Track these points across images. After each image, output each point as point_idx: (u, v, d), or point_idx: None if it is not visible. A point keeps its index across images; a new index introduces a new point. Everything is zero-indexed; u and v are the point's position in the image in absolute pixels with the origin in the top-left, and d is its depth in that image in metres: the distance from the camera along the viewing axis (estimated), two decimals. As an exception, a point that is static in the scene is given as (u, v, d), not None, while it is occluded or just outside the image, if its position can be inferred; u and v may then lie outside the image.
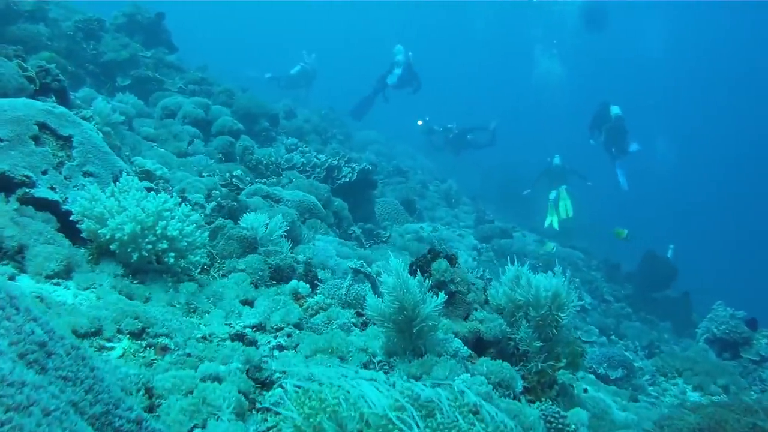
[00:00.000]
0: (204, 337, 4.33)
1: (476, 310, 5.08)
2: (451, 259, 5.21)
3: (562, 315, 4.84)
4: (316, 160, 12.53)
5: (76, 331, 3.83)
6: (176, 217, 5.23)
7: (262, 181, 11.12)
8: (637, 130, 20.96)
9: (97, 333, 3.95)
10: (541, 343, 4.87)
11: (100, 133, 7.47)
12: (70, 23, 13.76)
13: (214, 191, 8.55)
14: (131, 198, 5.24)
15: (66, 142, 5.94)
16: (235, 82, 18.71)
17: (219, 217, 7.42)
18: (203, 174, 9.65)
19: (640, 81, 51.21)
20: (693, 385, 10.05)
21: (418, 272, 4.72)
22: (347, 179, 12.48)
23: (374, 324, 4.63)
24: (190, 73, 15.50)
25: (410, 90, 23.02)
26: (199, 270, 5.70)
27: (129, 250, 5.02)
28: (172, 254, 5.13)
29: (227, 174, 9.68)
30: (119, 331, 4.06)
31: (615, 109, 19.56)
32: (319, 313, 5.17)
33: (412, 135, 26.19)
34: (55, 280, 4.69)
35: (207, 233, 5.62)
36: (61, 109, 6.17)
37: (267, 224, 6.73)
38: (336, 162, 12.61)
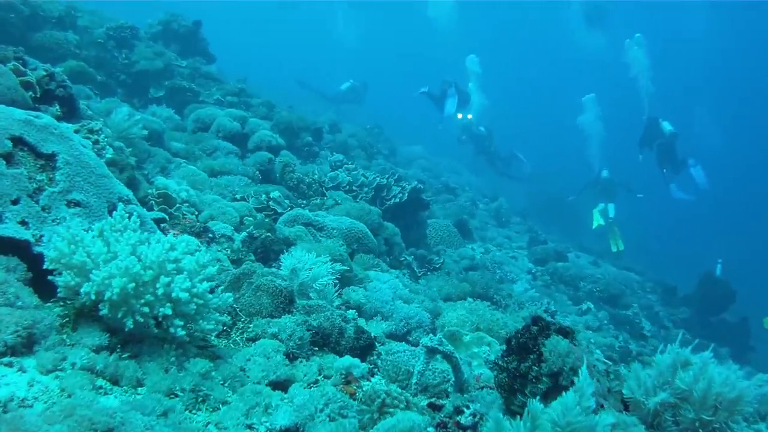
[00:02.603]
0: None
1: (602, 407, 3.38)
2: (567, 334, 3.51)
3: (734, 427, 3.15)
4: (363, 178, 10.94)
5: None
6: (185, 271, 3.64)
7: (304, 203, 9.55)
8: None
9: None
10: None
11: (110, 149, 5.95)
12: (102, 30, 12.32)
13: (246, 218, 6.97)
14: (125, 241, 3.66)
15: (48, 161, 4.41)
16: (278, 96, 17.26)
17: (250, 252, 5.84)
18: (237, 196, 8.07)
19: (681, 70, 48.57)
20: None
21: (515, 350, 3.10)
22: (397, 200, 10.88)
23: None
24: (228, 84, 13.97)
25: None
26: (217, 332, 4.10)
27: (120, 315, 3.46)
28: (179, 322, 3.54)
29: (263, 196, 8.10)
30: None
31: (667, 125, 18.22)
32: (382, 416, 3.50)
33: (456, 149, 24.61)
34: (7, 359, 3.24)
35: (229, 295, 3.98)
36: (46, 119, 4.61)
37: (310, 269, 5.09)
38: (385, 180, 11.02)
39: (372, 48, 54.01)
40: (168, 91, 12.35)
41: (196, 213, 6.95)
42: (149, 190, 6.41)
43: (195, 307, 3.68)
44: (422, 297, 7.46)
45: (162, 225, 5.36)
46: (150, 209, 6.02)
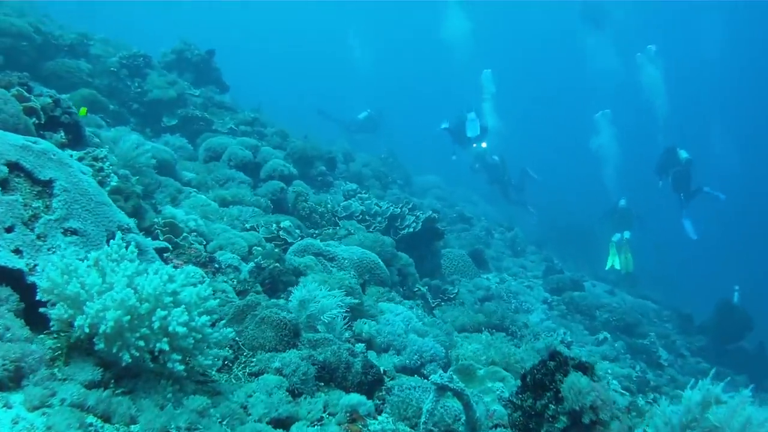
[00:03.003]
0: None
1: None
2: (586, 369, 3.28)
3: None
4: (376, 207, 10.75)
5: None
6: (184, 304, 3.46)
7: (316, 233, 9.36)
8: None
9: None
10: None
11: (114, 177, 5.80)
12: (114, 59, 12.24)
13: (255, 248, 6.78)
14: (122, 272, 3.48)
15: (45, 188, 4.25)
16: (294, 125, 17.18)
17: (257, 283, 5.65)
18: (246, 226, 7.89)
19: (697, 86, 47.82)
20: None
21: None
22: (411, 229, 10.68)
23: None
24: (241, 113, 13.85)
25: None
26: (217, 368, 3.89)
27: (114, 349, 3.28)
28: (176, 356, 3.35)
29: (273, 226, 7.92)
30: None
31: (683, 153, 18.41)
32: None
33: (472, 179, 24.44)
34: (-7, 394, 3.01)
35: (230, 330, 3.77)
36: (44, 144, 4.46)
37: (319, 301, 4.89)
38: (399, 210, 10.83)
39: (387, 72, 53.83)
40: (181, 120, 12.23)
41: (205, 243, 6.77)
42: (155, 219, 6.24)
43: (193, 341, 3.48)
44: (436, 330, 7.24)
45: (165, 255, 5.19)
46: (155, 238, 5.86)
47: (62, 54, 11.62)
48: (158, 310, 3.34)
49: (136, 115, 12.06)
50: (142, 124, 11.96)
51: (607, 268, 18.55)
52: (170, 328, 3.34)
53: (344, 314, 5.41)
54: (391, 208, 10.81)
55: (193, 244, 6.52)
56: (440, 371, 4.23)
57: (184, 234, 6.36)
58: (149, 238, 5.79)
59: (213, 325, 3.71)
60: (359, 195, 11.57)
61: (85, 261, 3.57)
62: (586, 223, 24.18)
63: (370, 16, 57.58)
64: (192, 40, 14.87)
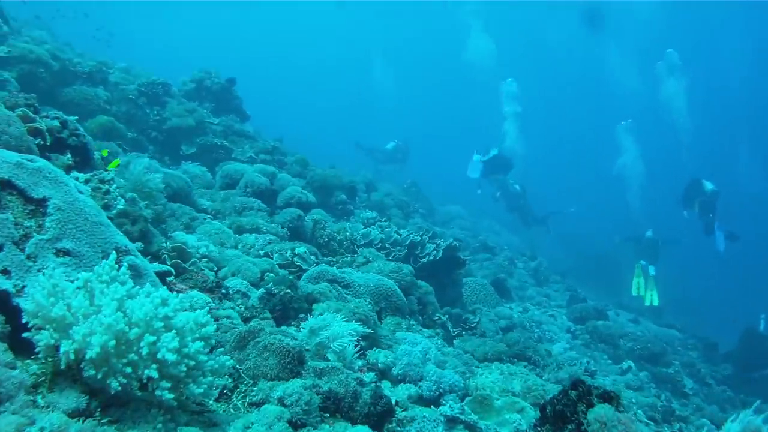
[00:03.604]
0: None
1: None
2: (611, 399, 2.97)
3: None
4: (396, 236, 10.50)
5: None
6: (177, 329, 3.20)
7: (333, 260, 9.10)
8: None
9: None
10: None
11: (121, 200, 5.59)
12: (133, 87, 12.14)
13: (268, 274, 6.53)
14: (111, 295, 3.24)
15: (38, 206, 4.01)
16: (319, 155, 17.08)
17: (265, 310, 5.39)
18: (260, 252, 7.65)
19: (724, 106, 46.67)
20: None
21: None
22: (431, 257, 10.40)
23: None
24: (261, 142, 13.70)
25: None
26: (214, 397, 3.62)
27: (100, 375, 3.03)
28: (166, 384, 3.09)
29: (288, 252, 7.66)
30: None
31: (708, 185, 18.23)
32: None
33: (495, 209, 24.16)
34: (-34, 423, 2.76)
35: (226, 358, 3.50)
36: (41, 163, 4.24)
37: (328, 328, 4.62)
38: (419, 238, 10.57)
39: (409, 100, 53.53)
40: (200, 148, 12.09)
41: (216, 269, 6.55)
42: (163, 244, 6.02)
43: (185, 369, 3.22)
44: (455, 360, 6.94)
45: (168, 279, 4.94)
46: (163, 263, 5.64)
47: (80, 81, 11.52)
48: (146, 335, 3.08)
49: (155, 143, 11.93)
50: (161, 152, 11.84)
51: (633, 293, 18.46)
52: (159, 355, 3.08)
53: (356, 342, 5.14)
54: (411, 235, 10.56)
55: (203, 269, 6.30)
56: (451, 402, 3.93)
57: (194, 259, 6.12)
58: (156, 263, 5.58)
59: (211, 351, 3.45)
60: (379, 223, 11.35)
61: (75, 282, 3.34)
62: (610, 250, 23.95)
63: (393, 42, 57.46)
64: (214, 68, 14.80)
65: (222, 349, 3.70)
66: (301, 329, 4.78)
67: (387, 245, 10.31)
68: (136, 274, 4.26)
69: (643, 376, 12.08)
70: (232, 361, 3.57)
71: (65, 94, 10.93)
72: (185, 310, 3.43)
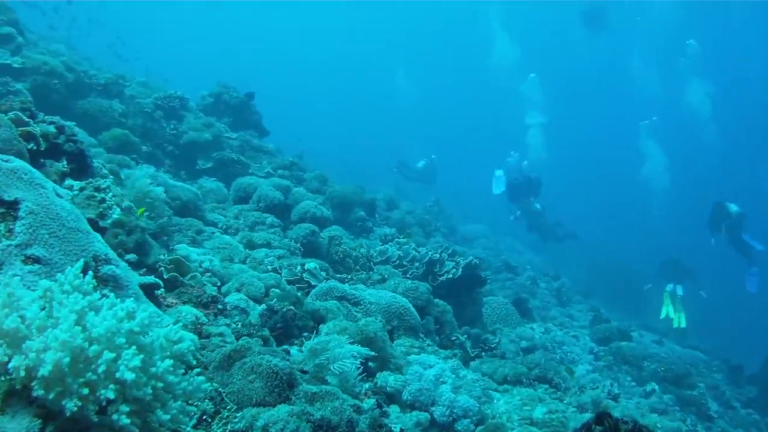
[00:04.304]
0: None
1: None
2: (642, 435, 2.49)
3: None
4: (414, 252, 10.06)
5: None
6: (142, 345, 2.78)
7: (347, 277, 8.67)
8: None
9: None
10: None
11: (117, 209, 5.21)
12: (149, 100, 11.81)
13: (273, 289, 6.09)
14: (70, 307, 2.82)
15: (9, 209, 3.60)
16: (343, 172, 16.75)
17: (264, 328, 4.95)
18: (269, 267, 7.23)
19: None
20: None
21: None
22: (450, 275, 9.94)
23: None
24: (279, 157, 13.30)
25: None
26: (190, 423, 3.17)
27: (51, 395, 2.61)
28: (125, 408, 2.66)
29: (298, 267, 7.23)
30: None
31: (733, 207, 17.80)
32: None
33: (517, 228, 23.65)
34: None
35: (201, 379, 3.04)
36: (17, 163, 3.86)
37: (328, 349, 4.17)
38: (438, 255, 10.12)
39: (432, 108, 52.58)
40: (216, 163, 11.70)
41: (219, 284, 6.13)
42: (161, 256, 5.60)
43: (152, 391, 2.79)
44: (471, 384, 6.46)
45: (158, 292, 4.51)
46: (160, 276, 5.23)
47: (95, 93, 11.22)
48: (105, 352, 2.65)
49: (171, 157, 11.58)
50: (177, 167, 11.49)
51: (661, 317, 17.97)
52: (118, 374, 2.65)
53: (360, 364, 4.70)
54: (430, 253, 10.13)
55: (206, 284, 5.89)
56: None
57: (194, 273, 5.70)
58: (153, 275, 5.17)
59: (185, 372, 3.02)
60: (397, 239, 10.91)
61: (36, 291, 2.92)
62: (634, 268, 23.47)
63: (416, 48, 56.68)
64: (233, 81, 14.50)
65: (198, 369, 3.24)
66: (303, 349, 4.34)
67: (405, 262, 9.88)
68: (116, 285, 3.85)
69: (667, 399, 11.69)
70: (208, 384, 3.13)
71: (80, 106, 10.64)
72: (158, 325, 3.00)
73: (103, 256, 3.92)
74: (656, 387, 12.00)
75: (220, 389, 3.47)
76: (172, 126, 11.82)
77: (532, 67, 31.03)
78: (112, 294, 3.60)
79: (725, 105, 32.38)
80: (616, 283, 23.26)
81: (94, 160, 6.50)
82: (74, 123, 9.81)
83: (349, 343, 4.74)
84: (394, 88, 49.52)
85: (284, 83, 57.34)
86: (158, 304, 4.36)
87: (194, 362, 3.43)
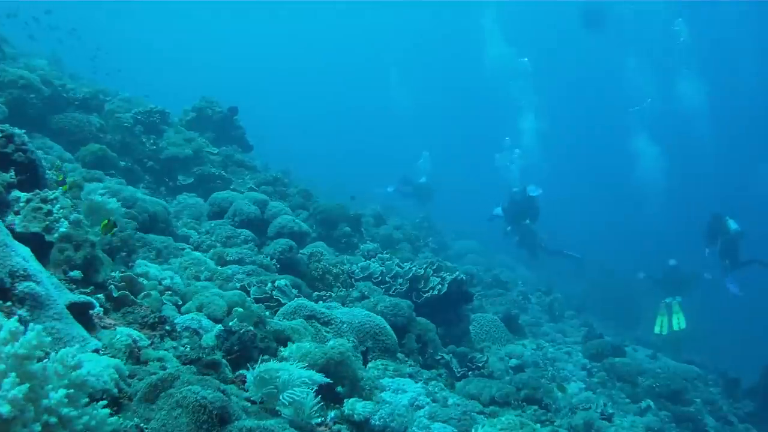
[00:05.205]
0: None
1: None
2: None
3: None
4: (397, 269, 9.54)
5: None
6: (26, 373, 2.27)
7: (325, 294, 8.18)
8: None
9: None
10: None
11: (65, 222, 4.74)
12: (129, 115, 11.35)
13: (237, 308, 5.57)
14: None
15: None
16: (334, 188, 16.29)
17: (216, 351, 4.42)
18: (236, 285, 6.72)
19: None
20: None
21: None
22: (435, 292, 9.43)
23: None
24: (262, 173, 12.83)
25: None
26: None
27: None
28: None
29: (269, 285, 6.72)
30: None
31: (732, 224, 17.48)
32: None
33: (508, 244, 23.15)
34: None
35: (106, 412, 2.51)
36: None
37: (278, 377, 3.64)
38: (422, 271, 9.61)
39: (426, 113, 51.59)
40: (197, 178, 11.22)
41: (181, 303, 5.62)
42: (113, 273, 5.09)
43: (40, 429, 2.27)
44: (452, 409, 5.93)
45: (92, 311, 3.99)
46: (109, 295, 4.72)
47: (72, 108, 10.77)
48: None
49: (151, 173, 11.09)
50: (157, 182, 11.02)
51: (656, 330, 17.74)
52: (-11, 409, 2.14)
53: (327, 390, 4.19)
54: (414, 268, 9.61)
55: (166, 303, 5.39)
56: None
57: (147, 292, 5.19)
58: (102, 293, 4.67)
59: (89, 404, 2.50)
60: (380, 255, 10.39)
61: None
62: (626, 278, 22.75)
63: (409, 51, 55.93)
64: (217, 95, 14.03)
65: (105, 401, 2.70)
66: (247, 380, 3.83)
67: (387, 278, 9.37)
68: (35, 305, 3.33)
69: (663, 416, 11.34)
70: (118, 418, 2.60)
71: (57, 121, 10.19)
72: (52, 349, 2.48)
73: (22, 272, 3.41)
74: (651, 403, 11.61)
75: (141, 425, 2.94)
76: (152, 141, 11.34)
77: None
78: (26, 314, 3.13)
79: (719, 97, 31.97)
80: (608, 294, 22.86)
81: (47, 172, 6.02)
82: (47, 137, 9.67)
83: (310, 368, 4.23)
84: (387, 96, 48.83)
85: (272, 92, 56.78)
86: (92, 326, 3.84)
87: (115, 391, 2.94)
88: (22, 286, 3.30)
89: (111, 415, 2.60)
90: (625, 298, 21.54)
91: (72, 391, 2.43)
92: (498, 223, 19.40)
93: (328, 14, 60.78)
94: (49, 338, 2.49)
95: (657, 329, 17.64)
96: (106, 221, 5.50)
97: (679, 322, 17.37)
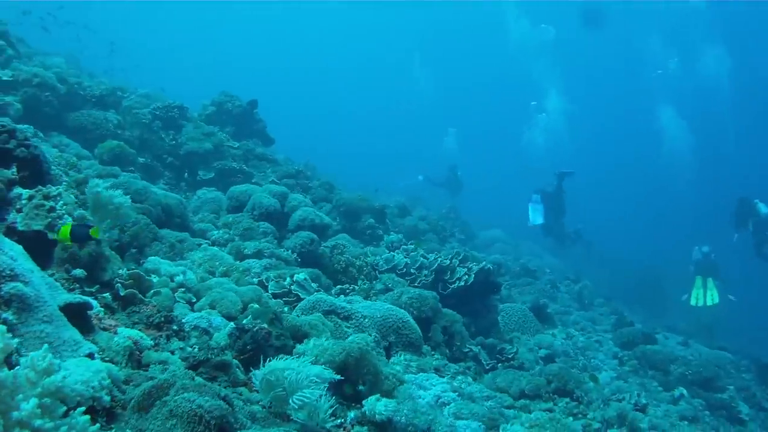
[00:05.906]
0: None
1: None
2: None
3: None
4: (423, 260, 9.18)
5: None
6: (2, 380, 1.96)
7: (347, 288, 7.86)
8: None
9: None
10: None
11: (69, 218, 4.46)
12: (147, 110, 11.07)
13: (252, 305, 5.26)
14: None
15: None
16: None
17: (227, 351, 4.12)
18: (253, 280, 6.42)
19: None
20: None
21: None
22: (462, 283, 9.06)
23: None
24: (284, 166, 12.50)
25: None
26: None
27: None
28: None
29: (288, 279, 6.41)
30: None
31: (763, 207, 16.87)
32: None
33: (535, 233, 22.74)
34: None
35: (86, 419, 2.20)
36: None
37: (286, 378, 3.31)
38: (448, 262, 9.25)
39: (449, 105, 50.84)
40: (218, 173, 10.95)
41: (195, 300, 5.32)
42: (120, 271, 4.80)
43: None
44: (479, 404, 5.58)
45: (91, 312, 3.69)
46: (116, 294, 4.44)
47: (89, 105, 10.53)
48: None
49: (171, 169, 10.83)
50: (177, 178, 10.77)
51: (692, 302, 17.27)
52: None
53: (349, 388, 3.87)
54: (440, 259, 9.25)
55: (179, 301, 5.10)
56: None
57: (156, 289, 4.90)
58: (108, 293, 4.40)
59: (67, 414, 2.19)
60: (404, 246, 10.04)
61: None
62: (657, 265, 22.71)
63: (432, 43, 55.08)
64: (238, 91, 13.73)
65: (82, 408, 2.38)
66: (254, 379, 3.51)
67: (412, 270, 9.01)
68: (22, 306, 3.04)
69: (696, 404, 10.90)
70: (97, 426, 2.28)
71: (73, 118, 9.96)
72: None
73: (8, 271, 3.11)
74: (684, 392, 11.19)
75: (132, 438, 2.64)
76: (171, 136, 11.07)
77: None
78: (12, 318, 2.84)
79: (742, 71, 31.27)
80: (638, 282, 22.40)
81: (53, 168, 5.75)
82: (64, 135, 9.44)
83: (328, 365, 3.92)
84: (411, 85, 48.24)
85: (297, 89, 56.49)
86: (89, 328, 3.54)
87: (107, 399, 2.64)
88: (7, 287, 3.01)
89: (94, 423, 2.29)
90: (654, 285, 21.05)
91: (47, 400, 2.13)
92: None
93: (347, 8, 60.24)
94: (16, 340, 2.19)
95: (693, 301, 17.23)
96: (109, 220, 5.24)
97: (713, 297, 16.99)
